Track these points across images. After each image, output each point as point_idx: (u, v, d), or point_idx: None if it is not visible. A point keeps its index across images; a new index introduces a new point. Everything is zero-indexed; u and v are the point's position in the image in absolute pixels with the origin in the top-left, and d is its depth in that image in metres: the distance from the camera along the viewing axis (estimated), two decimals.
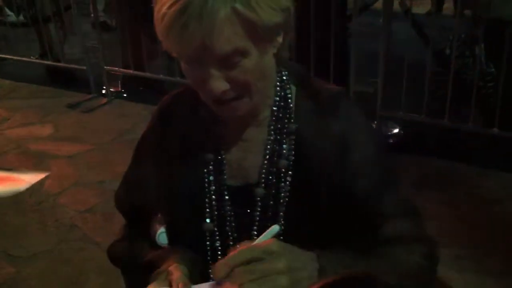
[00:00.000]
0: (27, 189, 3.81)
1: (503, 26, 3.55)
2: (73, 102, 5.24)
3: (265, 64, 1.14)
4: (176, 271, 1.17)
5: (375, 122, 4.11)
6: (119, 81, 5.45)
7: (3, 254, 3.20)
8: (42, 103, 5.29)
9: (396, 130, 4.16)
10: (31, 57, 5.80)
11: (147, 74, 5.07)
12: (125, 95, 5.38)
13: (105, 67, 5.30)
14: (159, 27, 1.06)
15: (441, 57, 4.01)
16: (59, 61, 5.63)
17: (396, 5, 4.24)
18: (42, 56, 5.76)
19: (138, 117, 4.67)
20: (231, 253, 1.06)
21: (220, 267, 1.04)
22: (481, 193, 3.52)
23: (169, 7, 1.02)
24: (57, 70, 5.73)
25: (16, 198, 3.72)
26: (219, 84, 1.09)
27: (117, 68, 5.32)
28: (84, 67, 5.41)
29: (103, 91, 5.38)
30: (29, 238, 3.32)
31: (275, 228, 1.10)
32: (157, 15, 1.06)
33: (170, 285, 1.14)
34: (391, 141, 4.09)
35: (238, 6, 1.02)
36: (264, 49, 1.11)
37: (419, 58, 4.03)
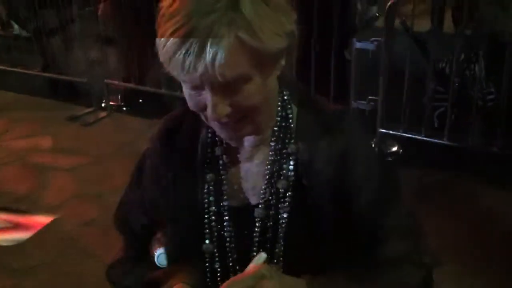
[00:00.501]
0: (26, 201, 3.82)
1: (503, 45, 3.57)
2: (74, 115, 5.23)
3: (268, 87, 1.13)
4: None
5: (375, 139, 4.12)
6: (119, 95, 5.46)
7: (2, 267, 3.19)
8: (43, 115, 5.29)
9: (395, 148, 4.17)
10: (33, 69, 5.80)
11: (148, 88, 5.07)
12: (125, 108, 5.39)
13: (105, 80, 5.31)
14: (162, 53, 1.05)
15: (441, 76, 4.03)
16: (60, 73, 5.63)
17: (397, 23, 4.26)
18: (44, 68, 5.76)
19: (138, 131, 4.66)
20: (224, 285, 1.07)
21: None
22: (481, 208, 3.53)
23: (172, 34, 1.01)
24: (58, 83, 5.73)
25: None
26: (221, 109, 1.08)
27: (117, 82, 5.32)
28: (85, 80, 5.42)
29: (103, 104, 5.38)
30: (28, 251, 3.30)
31: (262, 256, 1.11)
32: (159, 40, 1.05)
33: None
34: (390, 159, 4.09)
35: (242, 34, 1.01)
36: (267, 74, 1.11)
37: (420, 76, 4.04)
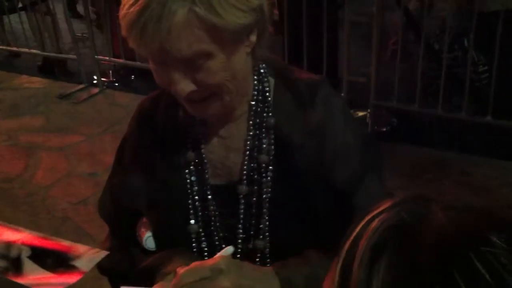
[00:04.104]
0: (18, 181, 3.80)
1: (491, 17, 3.54)
2: (64, 93, 5.19)
3: (235, 64, 1.09)
4: None
5: (368, 110, 4.11)
6: (110, 71, 5.41)
7: None
8: (33, 93, 5.25)
9: (388, 119, 4.15)
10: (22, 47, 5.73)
11: (138, 64, 5.01)
12: (116, 84, 5.34)
13: (96, 56, 5.25)
14: (122, 26, 1.04)
15: (431, 52, 4.00)
16: (46, 50, 5.56)
17: None
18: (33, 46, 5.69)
19: (130, 107, 4.58)
20: (181, 272, 1.08)
21: None
22: (472, 182, 3.52)
23: (129, 7, 1.00)
24: (47, 60, 5.67)
25: (7, 191, 3.70)
26: (183, 86, 1.07)
27: (108, 58, 5.27)
28: (75, 57, 5.37)
29: (94, 81, 5.33)
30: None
31: (229, 249, 1.12)
32: (120, 13, 1.04)
33: None
34: (384, 129, 4.08)
35: (198, 9, 0.98)
36: (232, 51, 1.07)
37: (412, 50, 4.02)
